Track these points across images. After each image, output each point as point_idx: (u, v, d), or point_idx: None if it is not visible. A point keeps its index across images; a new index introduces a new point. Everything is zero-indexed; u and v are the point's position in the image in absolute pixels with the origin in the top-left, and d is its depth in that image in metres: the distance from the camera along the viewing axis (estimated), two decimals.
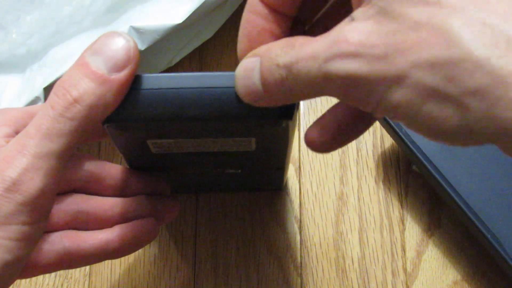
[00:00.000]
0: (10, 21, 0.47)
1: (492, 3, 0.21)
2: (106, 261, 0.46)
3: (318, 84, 0.23)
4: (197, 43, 0.49)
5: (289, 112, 0.28)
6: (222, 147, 0.31)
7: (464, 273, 0.45)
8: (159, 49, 0.46)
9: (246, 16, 0.28)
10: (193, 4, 0.45)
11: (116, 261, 0.45)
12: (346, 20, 0.23)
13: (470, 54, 0.20)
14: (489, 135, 0.21)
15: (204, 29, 0.48)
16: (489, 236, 0.41)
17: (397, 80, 0.21)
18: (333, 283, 0.45)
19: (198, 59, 0.51)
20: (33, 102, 0.45)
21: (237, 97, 0.27)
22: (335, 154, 0.49)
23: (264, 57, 0.25)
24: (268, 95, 0.25)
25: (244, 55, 0.27)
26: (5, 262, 0.26)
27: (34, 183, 0.26)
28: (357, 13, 0.23)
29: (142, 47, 0.44)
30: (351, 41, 0.22)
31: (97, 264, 0.46)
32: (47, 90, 0.45)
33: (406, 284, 0.45)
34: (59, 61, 0.45)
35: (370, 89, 0.22)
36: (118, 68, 0.27)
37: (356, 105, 0.24)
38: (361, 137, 0.48)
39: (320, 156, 0.48)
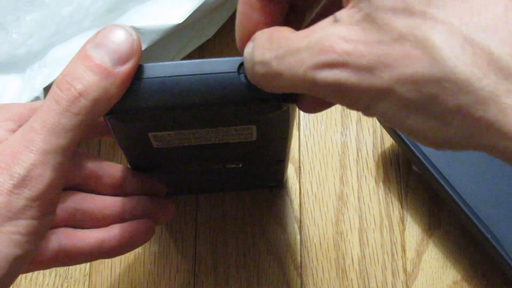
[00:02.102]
0: (10, 21, 0.47)
1: (476, 15, 0.21)
2: (106, 261, 0.46)
3: (303, 86, 0.24)
4: (197, 43, 0.49)
5: (291, 96, 0.28)
6: (223, 138, 0.31)
7: (464, 273, 0.45)
8: (159, 49, 0.46)
9: (240, 8, 0.28)
10: (193, 4, 0.45)
11: (116, 261, 0.45)
12: (330, 19, 0.23)
13: (452, 73, 0.20)
14: (473, 147, 0.22)
15: (204, 29, 0.48)
16: (489, 236, 0.41)
17: (383, 93, 0.22)
18: (333, 283, 0.45)
19: (198, 59, 0.51)
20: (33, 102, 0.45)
21: (236, 82, 0.27)
22: (335, 154, 0.49)
23: (253, 50, 0.25)
24: (260, 86, 0.26)
25: (242, 46, 0.27)
26: (16, 256, 0.26)
27: (42, 179, 0.26)
28: (342, 14, 0.23)
29: (142, 47, 0.44)
30: (338, 50, 0.22)
31: (97, 264, 0.46)
32: (47, 90, 0.45)
33: (406, 284, 0.45)
34: (59, 61, 0.45)
35: (358, 97, 0.23)
36: (122, 61, 0.27)
37: (344, 106, 0.24)
38: (361, 137, 0.48)
39: (320, 156, 0.48)
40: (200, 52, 0.51)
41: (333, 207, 0.47)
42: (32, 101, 0.45)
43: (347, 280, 0.45)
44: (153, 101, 0.27)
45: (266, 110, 0.29)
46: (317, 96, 0.24)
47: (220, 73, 0.27)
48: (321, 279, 0.45)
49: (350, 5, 0.23)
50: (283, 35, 0.24)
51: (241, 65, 0.27)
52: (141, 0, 0.46)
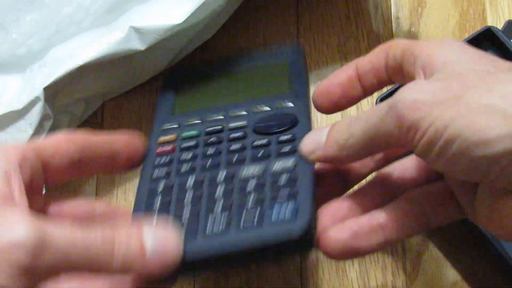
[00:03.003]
0: (10, 21, 0.47)
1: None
2: None
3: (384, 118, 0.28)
4: (197, 43, 0.49)
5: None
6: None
7: (464, 273, 0.45)
8: (159, 49, 0.46)
9: (344, 74, 0.34)
10: (193, 4, 0.45)
11: None
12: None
13: None
14: None
15: (204, 29, 0.48)
16: (489, 236, 0.42)
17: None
18: (333, 283, 0.45)
19: (198, 59, 0.51)
20: (33, 102, 0.45)
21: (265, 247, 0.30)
22: None
23: (337, 120, 0.32)
24: (327, 143, 0.31)
25: (319, 98, 0.35)
26: None
27: None
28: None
29: (142, 47, 0.44)
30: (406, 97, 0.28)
31: None
32: (47, 90, 0.45)
33: (406, 284, 0.45)
34: (59, 61, 0.45)
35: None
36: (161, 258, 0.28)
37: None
38: None
39: None
40: (200, 52, 0.51)
41: None
42: (32, 101, 0.45)
43: (347, 280, 0.45)
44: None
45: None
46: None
47: (255, 245, 0.30)
48: (321, 279, 0.45)
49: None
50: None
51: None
52: (141, 0, 0.46)
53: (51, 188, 0.33)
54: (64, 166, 0.31)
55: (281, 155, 0.33)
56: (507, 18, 0.52)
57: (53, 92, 0.45)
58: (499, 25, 0.52)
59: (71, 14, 0.46)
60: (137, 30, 0.44)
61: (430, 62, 0.29)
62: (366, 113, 0.30)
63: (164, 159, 0.34)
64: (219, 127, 0.36)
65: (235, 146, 0.34)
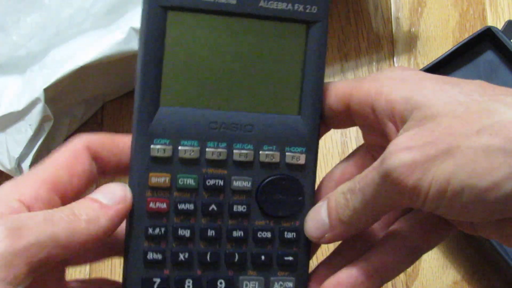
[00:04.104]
0: (10, 23, 0.47)
1: None
2: (106, 262, 0.46)
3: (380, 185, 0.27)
4: None
5: None
6: None
7: (464, 273, 0.45)
8: None
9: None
10: None
11: (116, 261, 0.45)
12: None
13: None
14: None
15: None
16: None
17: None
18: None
19: None
20: (33, 103, 0.45)
21: None
22: (335, 155, 0.49)
23: (331, 193, 0.30)
24: (333, 224, 0.30)
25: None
26: None
27: None
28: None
29: None
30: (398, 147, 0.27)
31: (97, 264, 0.46)
32: (48, 91, 0.45)
33: (406, 284, 0.45)
34: (60, 62, 0.45)
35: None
36: (115, 202, 0.29)
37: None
38: (361, 137, 0.48)
39: (320, 156, 0.48)
40: None
41: None
42: (32, 101, 0.45)
43: None
44: None
45: None
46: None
47: None
48: None
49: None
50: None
51: None
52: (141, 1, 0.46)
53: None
54: (83, 182, 0.30)
55: (283, 266, 0.32)
56: (507, 18, 0.52)
57: (53, 93, 0.45)
58: (499, 25, 0.52)
59: (72, 15, 0.46)
60: (137, 31, 0.44)
61: (395, 109, 0.28)
62: (359, 182, 0.28)
63: (158, 230, 0.30)
64: (220, 182, 0.31)
65: (236, 233, 0.31)
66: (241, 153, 0.31)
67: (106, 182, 0.30)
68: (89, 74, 0.45)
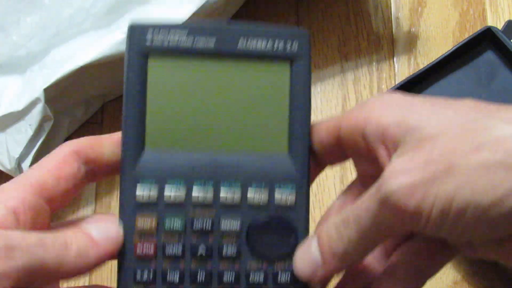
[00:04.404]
0: (11, 23, 0.47)
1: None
2: (106, 261, 0.45)
3: (377, 213, 0.26)
4: None
5: None
6: None
7: (464, 273, 0.45)
8: None
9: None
10: (194, 6, 0.45)
11: (116, 261, 0.45)
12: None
13: None
14: None
15: None
16: None
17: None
18: (333, 282, 0.45)
19: None
20: (34, 103, 0.45)
21: None
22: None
23: (321, 228, 0.29)
24: (326, 259, 0.28)
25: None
26: None
27: None
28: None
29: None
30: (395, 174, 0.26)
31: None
32: (48, 91, 0.45)
33: None
34: (60, 62, 0.45)
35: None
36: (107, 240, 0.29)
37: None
38: None
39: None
40: None
41: None
42: (33, 101, 0.45)
43: None
44: None
45: None
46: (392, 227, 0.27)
47: None
48: None
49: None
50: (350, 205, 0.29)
51: None
52: (142, 1, 0.46)
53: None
54: (71, 185, 0.30)
55: None
56: (507, 18, 0.52)
57: (53, 93, 0.45)
58: (499, 25, 0.52)
59: (72, 15, 0.46)
60: None
61: (386, 134, 0.28)
62: (353, 212, 0.28)
63: (146, 275, 0.30)
64: (208, 224, 0.30)
65: (227, 277, 0.30)
66: (228, 193, 0.30)
67: (100, 188, 0.30)
68: (89, 74, 0.46)
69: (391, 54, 0.52)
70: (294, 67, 0.31)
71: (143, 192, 0.30)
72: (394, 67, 0.52)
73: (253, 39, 0.30)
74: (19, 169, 0.46)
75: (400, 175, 0.25)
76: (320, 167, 0.33)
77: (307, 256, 0.29)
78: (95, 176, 0.31)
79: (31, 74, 0.46)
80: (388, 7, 0.54)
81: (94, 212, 0.48)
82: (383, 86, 0.51)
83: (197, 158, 0.30)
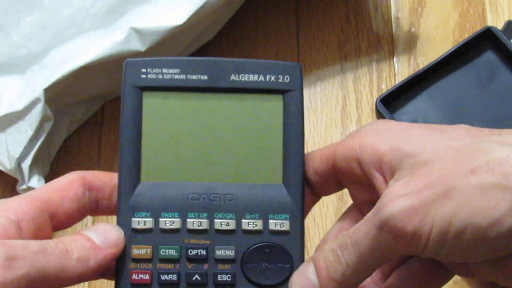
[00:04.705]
0: (10, 23, 0.47)
1: None
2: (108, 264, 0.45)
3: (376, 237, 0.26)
4: (197, 44, 0.49)
5: None
6: None
7: None
8: (160, 50, 0.46)
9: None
10: (194, 6, 0.45)
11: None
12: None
13: None
14: None
15: (205, 30, 0.49)
16: None
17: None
18: None
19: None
20: (33, 103, 0.45)
21: None
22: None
23: (318, 253, 0.29)
24: (324, 284, 0.28)
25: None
26: None
27: None
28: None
29: (142, 48, 0.45)
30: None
31: None
32: (48, 91, 0.45)
33: None
34: (60, 62, 0.45)
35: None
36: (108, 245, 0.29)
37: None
38: None
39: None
40: (200, 54, 0.51)
41: (333, 207, 0.47)
42: (32, 101, 0.45)
43: None
44: None
45: None
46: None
47: None
48: None
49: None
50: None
51: None
52: (141, 1, 0.46)
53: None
54: (74, 207, 0.30)
55: None
56: (507, 18, 0.52)
57: (53, 93, 0.45)
58: (499, 25, 0.52)
59: (72, 15, 0.46)
60: (137, 31, 0.44)
61: (382, 161, 0.28)
62: (351, 237, 0.28)
63: None
64: (203, 251, 0.31)
65: None
66: (222, 222, 0.31)
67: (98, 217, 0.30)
68: (89, 74, 0.46)
69: (391, 54, 0.52)
70: (287, 99, 0.31)
71: (138, 222, 0.30)
72: (394, 67, 0.52)
73: (245, 73, 0.31)
74: (19, 169, 0.46)
75: (398, 199, 0.26)
76: (315, 197, 0.33)
77: (303, 281, 0.29)
78: (97, 207, 0.31)
79: (31, 74, 0.46)
80: (388, 7, 0.54)
81: None
82: (383, 86, 0.51)
83: (191, 190, 0.31)
